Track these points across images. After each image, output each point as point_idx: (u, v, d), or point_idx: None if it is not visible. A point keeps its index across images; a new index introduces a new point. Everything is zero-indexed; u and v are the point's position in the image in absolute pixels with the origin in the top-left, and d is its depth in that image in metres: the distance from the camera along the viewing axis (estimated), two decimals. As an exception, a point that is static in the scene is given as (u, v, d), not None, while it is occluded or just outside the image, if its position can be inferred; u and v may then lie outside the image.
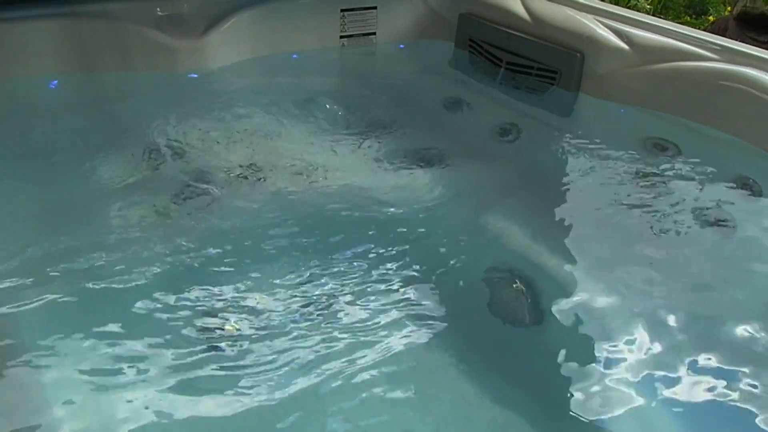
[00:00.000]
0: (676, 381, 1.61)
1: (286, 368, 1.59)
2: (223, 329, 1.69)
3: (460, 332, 1.76)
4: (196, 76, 2.95)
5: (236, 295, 1.80)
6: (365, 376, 1.59)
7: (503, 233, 2.11)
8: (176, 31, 2.94)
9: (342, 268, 1.91)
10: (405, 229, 2.10)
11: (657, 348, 1.69)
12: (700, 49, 2.59)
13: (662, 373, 1.62)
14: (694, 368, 1.63)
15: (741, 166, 2.41)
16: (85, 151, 2.39)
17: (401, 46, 3.48)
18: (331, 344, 1.66)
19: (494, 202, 2.28)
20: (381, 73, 3.38)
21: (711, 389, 1.59)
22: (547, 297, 1.85)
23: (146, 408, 1.48)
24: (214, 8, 3.07)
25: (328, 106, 2.82)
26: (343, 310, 1.77)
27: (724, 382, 1.60)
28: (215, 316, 1.72)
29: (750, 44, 2.65)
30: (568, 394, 1.58)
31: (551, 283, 1.90)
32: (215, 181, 2.26)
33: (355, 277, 1.88)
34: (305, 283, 1.85)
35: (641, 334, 1.73)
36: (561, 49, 2.91)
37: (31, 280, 1.79)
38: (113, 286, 1.80)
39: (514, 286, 1.89)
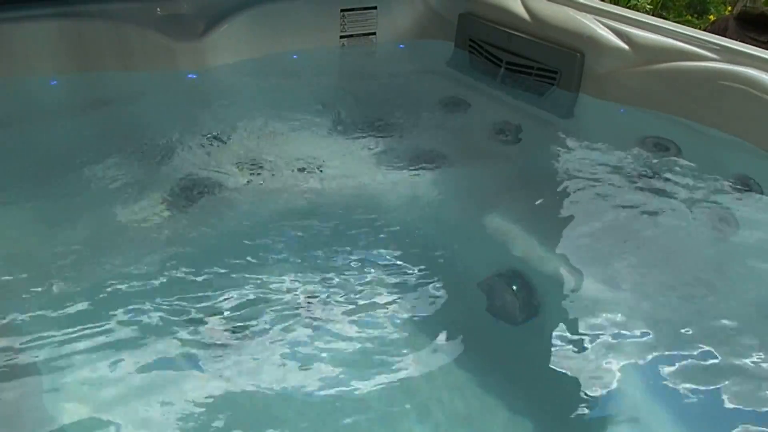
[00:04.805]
0: (676, 380, 1.61)
1: (285, 367, 1.60)
2: (224, 326, 1.69)
3: (460, 332, 1.76)
4: (196, 76, 2.96)
5: (236, 293, 1.80)
6: (364, 376, 1.59)
7: (503, 233, 2.11)
8: (176, 31, 2.94)
9: (341, 268, 1.91)
10: (405, 229, 2.10)
11: (657, 347, 1.69)
12: (700, 49, 2.59)
13: (663, 371, 1.62)
14: (694, 367, 1.64)
15: (741, 166, 2.41)
16: (85, 151, 2.38)
17: (401, 46, 3.47)
18: (330, 344, 1.67)
19: (494, 203, 2.28)
20: (381, 73, 3.38)
21: (710, 387, 1.59)
22: (547, 297, 1.85)
23: (146, 408, 1.48)
24: (214, 8, 3.07)
25: (327, 106, 2.82)
26: (343, 310, 1.77)
27: (724, 381, 1.60)
28: (215, 314, 1.73)
29: (750, 44, 2.64)
30: (569, 394, 1.58)
31: (551, 283, 1.90)
32: (215, 181, 2.26)
33: (354, 277, 1.88)
34: (304, 283, 1.85)
35: (642, 334, 1.73)
36: (561, 49, 2.91)
37: (31, 280, 1.79)
38: (113, 285, 1.80)
39: (514, 286, 1.89)
